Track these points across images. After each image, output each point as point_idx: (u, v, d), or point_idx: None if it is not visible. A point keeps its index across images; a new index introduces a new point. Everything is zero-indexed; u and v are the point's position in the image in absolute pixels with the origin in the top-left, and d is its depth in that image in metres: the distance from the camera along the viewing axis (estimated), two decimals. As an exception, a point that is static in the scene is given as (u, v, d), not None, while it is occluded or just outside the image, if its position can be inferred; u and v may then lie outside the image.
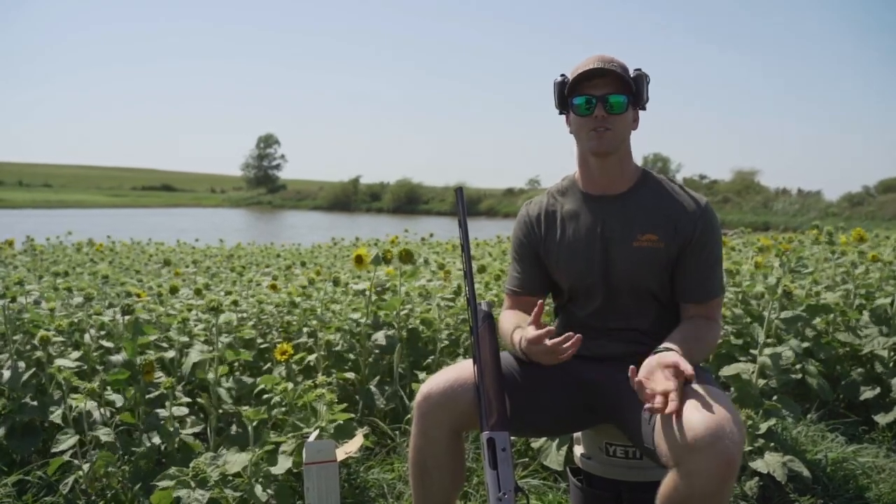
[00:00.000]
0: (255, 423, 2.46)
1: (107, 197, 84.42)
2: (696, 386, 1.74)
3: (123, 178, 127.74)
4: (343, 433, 2.59)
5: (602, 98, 1.90)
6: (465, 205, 2.00)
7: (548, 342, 1.77)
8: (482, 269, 4.14)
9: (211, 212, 59.06)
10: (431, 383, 1.93)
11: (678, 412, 1.63)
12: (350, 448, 2.44)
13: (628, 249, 1.96)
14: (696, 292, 1.97)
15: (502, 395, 1.79)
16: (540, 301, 1.91)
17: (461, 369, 1.94)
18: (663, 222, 1.95)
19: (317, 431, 2.49)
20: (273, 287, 3.90)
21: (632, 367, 1.70)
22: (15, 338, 3.05)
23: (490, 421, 1.75)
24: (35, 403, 2.86)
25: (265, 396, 2.89)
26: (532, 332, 1.82)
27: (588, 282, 2.02)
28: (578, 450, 2.19)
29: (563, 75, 1.99)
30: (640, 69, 1.95)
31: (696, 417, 1.60)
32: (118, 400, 2.75)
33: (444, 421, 1.89)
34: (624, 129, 1.95)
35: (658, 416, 1.71)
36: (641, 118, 2.02)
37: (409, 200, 63.72)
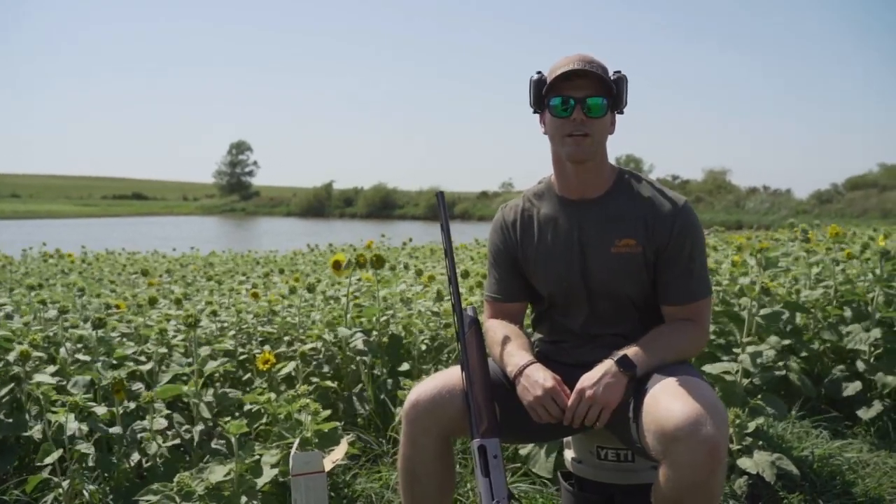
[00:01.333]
0: (237, 436, 2.42)
1: (77, 206, 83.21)
2: (674, 377, 1.75)
3: (93, 186, 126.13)
4: (328, 442, 2.56)
5: (581, 100, 1.85)
6: (447, 209, 1.97)
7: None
8: (465, 275, 4.12)
9: (183, 220, 58.54)
10: (419, 390, 1.90)
11: (658, 403, 1.67)
12: (336, 456, 2.41)
13: (606, 256, 1.94)
14: (675, 294, 1.94)
15: (491, 401, 1.78)
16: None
17: (449, 376, 1.92)
18: (640, 225, 1.92)
19: (298, 440, 2.45)
20: (254, 295, 3.85)
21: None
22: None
23: (480, 428, 1.73)
24: (10, 420, 2.79)
25: (246, 408, 2.84)
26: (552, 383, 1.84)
27: (567, 289, 2.00)
28: (569, 454, 2.18)
29: (539, 73, 1.94)
30: (619, 71, 1.91)
31: (675, 408, 1.61)
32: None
33: (433, 428, 1.87)
34: (602, 133, 1.91)
35: (643, 412, 1.73)
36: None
37: (384, 205, 63.72)
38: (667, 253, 1.92)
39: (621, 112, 1.95)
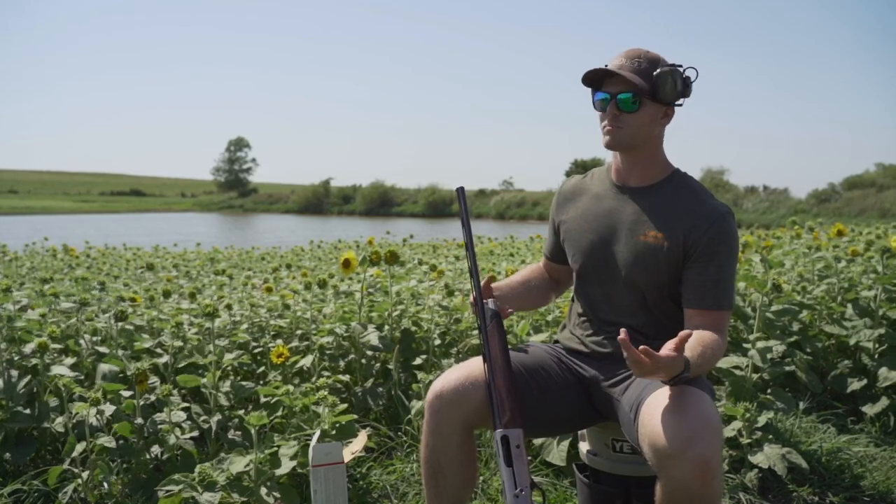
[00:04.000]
0: (257, 428, 2.45)
1: (75, 203, 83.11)
2: (675, 388, 1.75)
3: (91, 183, 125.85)
4: (345, 434, 2.59)
5: (614, 96, 1.93)
6: (467, 204, 2.01)
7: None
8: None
9: (182, 216, 58.48)
10: (443, 381, 1.94)
11: (654, 416, 1.67)
12: (355, 448, 2.44)
13: (631, 242, 1.98)
14: (700, 298, 1.91)
15: (514, 392, 1.80)
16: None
17: (471, 366, 1.96)
18: (674, 222, 1.94)
19: (318, 433, 2.48)
20: (268, 289, 3.88)
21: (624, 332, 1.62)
22: (2, 346, 3.00)
23: (503, 419, 1.76)
24: (28, 412, 2.82)
25: (263, 400, 2.88)
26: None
27: (588, 265, 2.07)
28: (584, 446, 2.20)
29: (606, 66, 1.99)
30: (671, 66, 1.93)
31: (670, 424, 1.63)
32: (108, 409, 2.69)
33: (457, 418, 1.90)
34: (638, 126, 1.95)
35: (639, 421, 1.74)
36: None
37: (382, 203, 63.65)
38: (697, 256, 1.91)
39: (671, 104, 1.96)
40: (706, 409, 1.66)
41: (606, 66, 1.95)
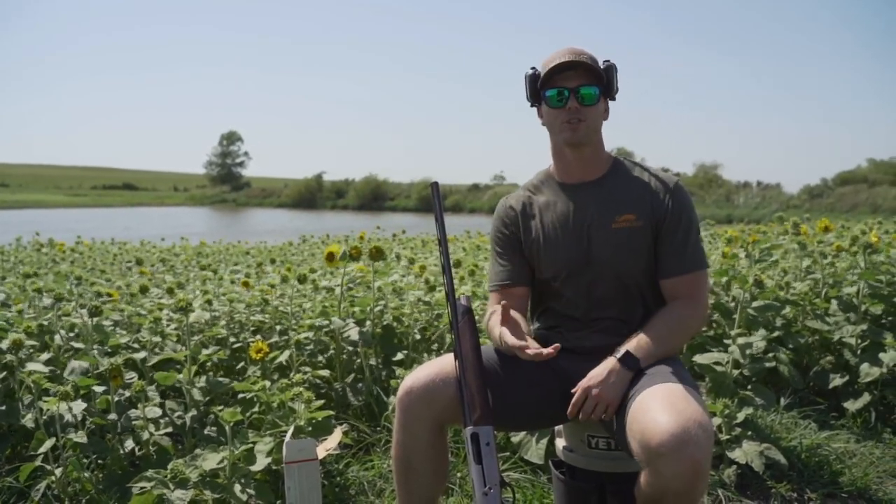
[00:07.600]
0: (231, 424, 2.43)
1: (67, 197, 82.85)
2: (664, 384, 1.75)
3: (83, 177, 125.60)
4: (321, 430, 2.57)
5: (574, 90, 1.95)
6: (441, 200, 1.99)
7: (529, 352, 1.78)
8: (457, 264, 4.13)
9: (174, 210, 58.31)
10: (413, 378, 1.92)
11: (645, 412, 1.67)
12: (330, 444, 2.42)
13: (607, 232, 1.99)
14: (670, 266, 1.98)
15: (485, 389, 1.79)
16: (505, 303, 1.90)
17: (443, 363, 1.93)
18: (639, 201, 1.99)
19: (293, 429, 2.46)
20: (245, 284, 3.85)
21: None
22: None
23: (473, 416, 1.75)
24: (3, 408, 2.80)
25: (240, 396, 2.85)
26: (511, 339, 1.82)
27: (569, 269, 2.04)
28: (560, 442, 2.19)
29: (533, 68, 2.03)
30: (609, 61, 2.01)
31: (662, 421, 1.61)
32: (78, 407, 2.66)
33: (427, 415, 1.88)
34: (596, 119, 2.00)
35: (629, 416, 1.73)
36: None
37: (375, 197, 63.59)
38: (667, 224, 1.98)
39: (613, 99, 2.05)
40: (698, 408, 1.66)
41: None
